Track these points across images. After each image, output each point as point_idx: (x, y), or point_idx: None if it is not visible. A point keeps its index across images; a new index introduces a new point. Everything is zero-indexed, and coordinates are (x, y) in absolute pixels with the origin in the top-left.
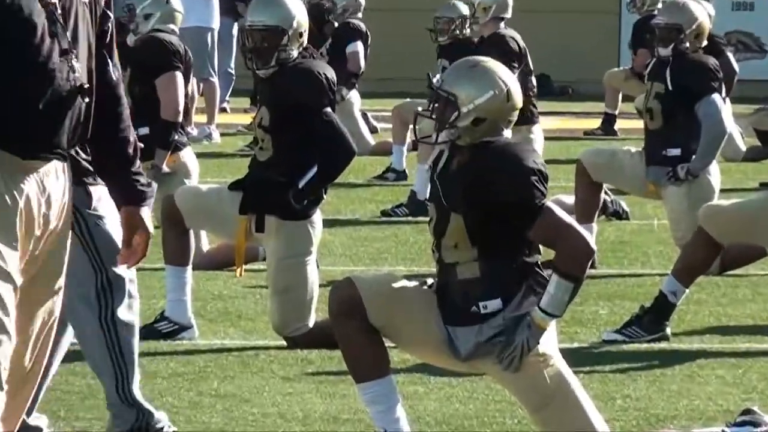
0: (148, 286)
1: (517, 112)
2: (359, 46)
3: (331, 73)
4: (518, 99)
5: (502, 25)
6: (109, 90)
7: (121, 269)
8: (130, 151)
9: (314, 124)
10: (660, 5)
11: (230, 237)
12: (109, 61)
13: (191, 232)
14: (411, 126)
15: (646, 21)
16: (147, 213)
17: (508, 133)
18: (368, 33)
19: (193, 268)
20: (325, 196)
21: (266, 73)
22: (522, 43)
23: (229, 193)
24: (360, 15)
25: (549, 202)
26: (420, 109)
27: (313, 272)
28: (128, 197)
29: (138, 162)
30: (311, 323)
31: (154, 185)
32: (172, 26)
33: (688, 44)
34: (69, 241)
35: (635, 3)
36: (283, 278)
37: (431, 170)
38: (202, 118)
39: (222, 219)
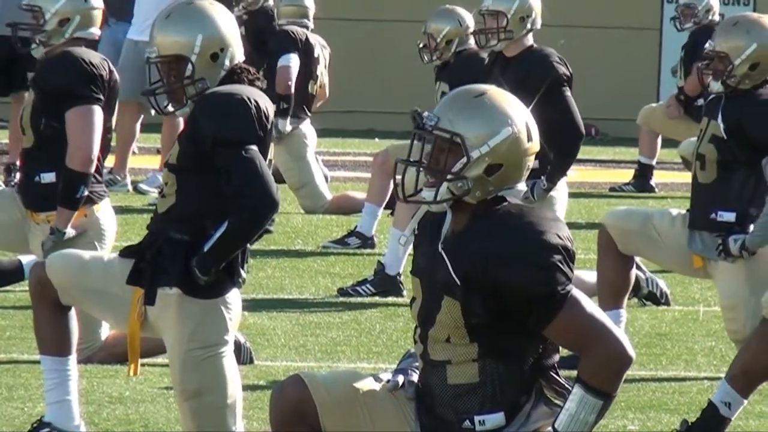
0: (23, 384)
1: (533, 158)
2: (292, 59)
3: (265, 103)
4: (537, 139)
5: (530, 37)
6: None
7: None
8: None
9: (229, 163)
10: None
11: (122, 323)
12: None
13: (72, 311)
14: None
15: (707, 32)
16: None
17: (521, 186)
18: (312, 44)
19: (85, 362)
20: (243, 271)
21: (185, 112)
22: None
23: (119, 263)
24: (308, 22)
25: (575, 291)
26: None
27: (231, 367)
28: None
29: None
30: None
31: None
32: (92, 30)
33: (739, 78)
34: None
35: (687, 14)
36: (191, 378)
37: (414, 237)
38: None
39: (110, 299)
